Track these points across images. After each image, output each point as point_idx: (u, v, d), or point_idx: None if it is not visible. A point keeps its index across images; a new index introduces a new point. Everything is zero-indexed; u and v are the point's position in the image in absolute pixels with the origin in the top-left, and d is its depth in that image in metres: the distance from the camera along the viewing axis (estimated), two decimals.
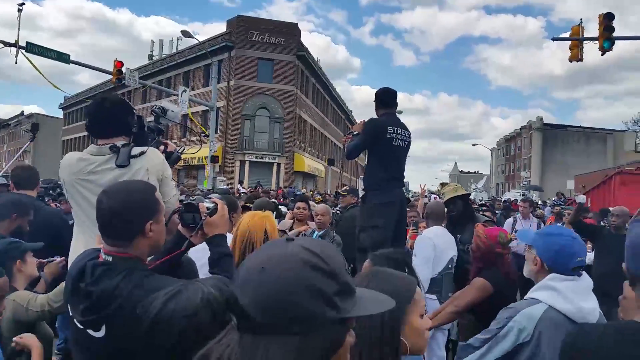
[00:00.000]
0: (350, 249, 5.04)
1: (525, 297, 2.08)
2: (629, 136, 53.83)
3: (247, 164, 32.97)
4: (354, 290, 0.87)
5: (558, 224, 8.06)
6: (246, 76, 32.95)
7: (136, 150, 2.33)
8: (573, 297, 1.93)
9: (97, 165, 2.30)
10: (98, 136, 2.43)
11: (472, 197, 7.77)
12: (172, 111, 2.82)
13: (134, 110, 2.52)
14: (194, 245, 1.87)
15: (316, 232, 5.20)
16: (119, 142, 2.36)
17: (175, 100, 20.63)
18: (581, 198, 5.97)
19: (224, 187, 15.04)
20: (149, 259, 1.74)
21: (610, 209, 6.24)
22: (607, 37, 12.68)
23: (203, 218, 1.81)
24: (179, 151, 2.78)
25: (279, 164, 33.79)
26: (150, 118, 2.81)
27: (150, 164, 2.32)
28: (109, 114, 2.42)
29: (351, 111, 60.11)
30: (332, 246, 0.93)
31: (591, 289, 2.06)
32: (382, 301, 0.92)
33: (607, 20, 12.68)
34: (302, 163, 35.50)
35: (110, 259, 1.58)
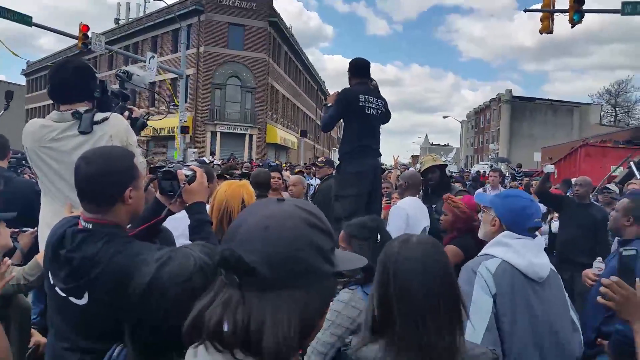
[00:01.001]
0: (328, 219, 5.11)
1: (480, 253, 2.16)
2: (594, 109, 55.13)
3: (218, 135, 32.49)
4: (335, 243, 0.95)
5: None
6: (216, 42, 32.16)
7: (99, 116, 2.30)
8: (525, 252, 2.02)
9: (60, 132, 2.27)
10: (60, 102, 2.38)
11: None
12: (138, 75, 2.76)
13: (97, 75, 2.47)
14: (172, 213, 1.86)
15: None
16: (82, 107, 2.32)
17: (143, 67, 20.04)
18: (549, 168, 6.13)
19: (201, 158, 14.79)
20: (127, 227, 1.74)
21: (573, 179, 6.44)
22: (577, 10, 12.84)
23: (182, 185, 1.80)
24: (145, 117, 2.73)
25: (251, 135, 33.40)
26: (117, 84, 2.75)
27: (113, 130, 2.29)
28: (70, 78, 2.36)
29: (324, 81, 59.64)
30: (315, 205, 0.97)
31: (543, 247, 2.17)
32: (357, 258, 1.00)
33: None
34: (275, 135, 35.19)
35: (90, 225, 1.57)
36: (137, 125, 2.63)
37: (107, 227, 1.59)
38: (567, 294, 2.18)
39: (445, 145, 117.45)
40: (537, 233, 2.20)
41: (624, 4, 13.34)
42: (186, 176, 1.82)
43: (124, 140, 2.31)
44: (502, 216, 2.15)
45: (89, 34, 17.22)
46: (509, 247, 2.03)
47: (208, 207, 2.55)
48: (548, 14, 13.46)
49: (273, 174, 5.94)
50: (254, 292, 0.81)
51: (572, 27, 13.15)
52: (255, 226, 0.84)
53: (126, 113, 2.57)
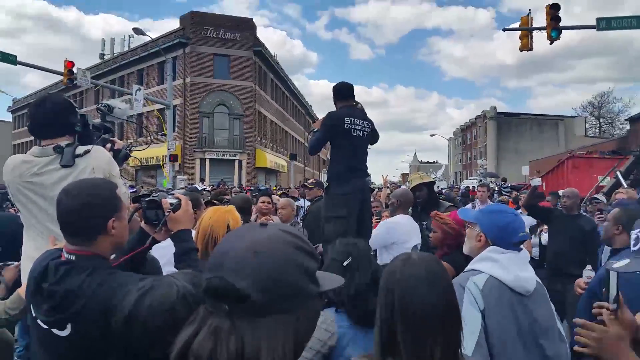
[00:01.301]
0: (319, 241, 5.10)
1: (466, 269, 2.15)
2: (579, 121, 55.99)
3: (207, 161, 32.52)
4: (319, 263, 0.96)
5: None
6: (202, 73, 32.44)
7: (81, 149, 2.30)
8: (511, 266, 2.02)
9: (42, 167, 2.27)
10: (41, 137, 2.39)
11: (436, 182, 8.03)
12: (119, 108, 2.78)
13: (77, 109, 2.48)
14: (157, 242, 1.85)
15: None
16: (63, 142, 2.33)
17: (129, 100, 20.11)
18: (536, 181, 6.19)
19: (193, 186, 14.72)
20: (111, 257, 1.72)
21: (560, 191, 6.49)
22: (554, 27, 13.15)
23: (166, 214, 1.79)
24: (128, 149, 2.74)
25: (240, 161, 33.48)
26: (99, 118, 2.76)
27: (95, 162, 2.30)
28: (50, 114, 2.37)
29: (311, 105, 60.14)
30: (297, 229, 0.99)
31: (528, 260, 2.16)
32: (336, 277, 1.01)
33: (553, 10, 13.14)
34: (264, 159, 35.30)
35: (73, 257, 1.56)
36: (120, 156, 2.64)
37: (91, 258, 1.57)
38: (553, 305, 2.18)
39: (434, 162, 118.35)
40: (522, 247, 2.20)
41: (598, 20, 13.70)
42: (170, 204, 1.81)
43: (106, 172, 2.32)
44: (488, 232, 2.15)
45: (74, 69, 17.30)
46: (496, 262, 2.03)
47: (194, 233, 2.54)
48: (527, 32, 13.76)
49: (263, 199, 5.92)
50: (245, 319, 0.80)
51: (550, 44, 13.45)
52: (244, 252, 0.83)
53: (108, 145, 2.57)
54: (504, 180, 22.01)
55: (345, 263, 2.13)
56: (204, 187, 18.84)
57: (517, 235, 2.11)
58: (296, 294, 0.85)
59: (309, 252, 0.90)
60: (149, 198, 1.84)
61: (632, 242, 1.43)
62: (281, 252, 0.85)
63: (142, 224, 1.85)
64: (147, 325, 1.18)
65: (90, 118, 2.57)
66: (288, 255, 0.86)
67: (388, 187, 8.53)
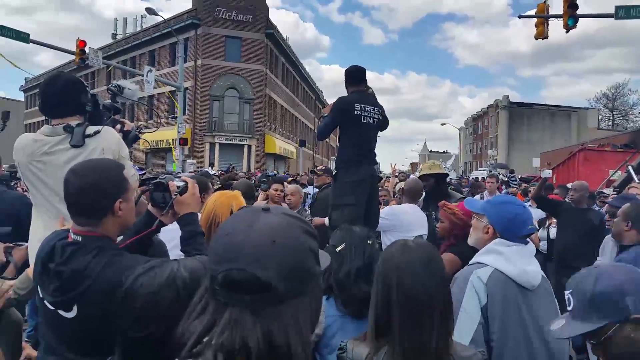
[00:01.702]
0: (326, 229, 5.10)
1: (471, 262, 2.14)
2: (592, 114, 55.31)
3: (217, 146, 32.56)
4: None
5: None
6: (214, 55, 32.34)
7: (91, 129, 2.30)
8: (517, 260, 2.00)
9: (52, 146, 2.27)
10: (52, 116, 2.39)
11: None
12: (129, 89, 2.78)
13: (88, 89, 2.47)
14: (164, 224, 1.85)
15: None
16: (73, 121, 2.33)
17: (139, 81, 20.13)
18: (547, 173, 6.12)
19: (205, 170, 14.71)
20: (118, 239, 1.73)
21: (569, 184, 6.42)
22: (571, 15, 12.91)
23: (173, 197, 1.79)
24: (137, 130, 2.74)
25: (249, 146, 33.49)
26: (109, 98, 2.76)
27: (105, 143, 2.30)
28: (61, 93, 2.36)
29: (321, 91, 59.87)
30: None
31: (534, 254, 2.14)
32: (325, 255, 1.02)
33: None
34: (273, 145, 35.28)
35: (79, 238, 1.56)
36: (129, 138, 2.64)
37: (97, 239, 1.58)
38: (557, 301, 2.15)
39: (444, 152, 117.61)
40: (528, 240, 2.17)
41: (617, 8, 13.43)
42: (177, 187, 1.81)
43: (115, 153, 2.32)
44: (496, 223, 2.13)
45: (86, 49, 17.32)
46: (502, 255, 2.01)
47: (200, 216, 2.54)
48: (542, 19, 13.54)
49: (275, 186, 5.90)
50: (267, 308, 0.81)
51: (567, 32, 13.22)
52: (261, 242, 0.83)
53: (118, 126, 2.58)
54: (512, 171, 21.85)
55: (338, 249, 2.12)
56: (214, 172, 18.94)
57: (525, 228, 2.08)
58: (310, 277, 0.88)
59: (314, 233, 0.93)
60: (156, 180, 1.83)
61: (566, 303, 1.43)
62: (296, 238, 0.87)
63: (149, 206, 1.85)
64: (134, 303, 1.21)
65: (101, 98, 2.57)
66: (301, 240, 0.88)
67: (396, 176, 8.50)
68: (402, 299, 1.39)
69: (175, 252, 2.18)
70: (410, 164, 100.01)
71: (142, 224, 1.82)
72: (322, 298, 1.01)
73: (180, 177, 1.93)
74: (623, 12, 13.40)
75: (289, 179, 9.24)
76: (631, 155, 12.57)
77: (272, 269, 0.81)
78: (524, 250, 2.07)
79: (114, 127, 2.53)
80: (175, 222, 1.87)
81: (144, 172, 7.15)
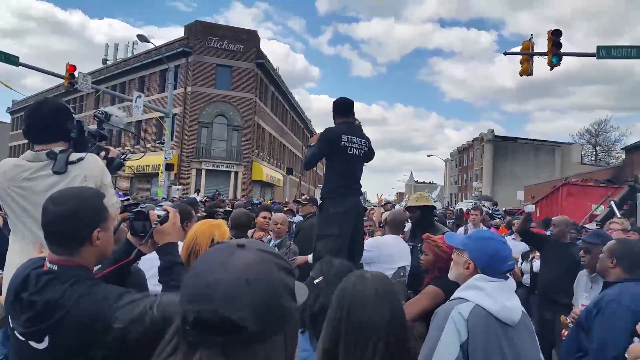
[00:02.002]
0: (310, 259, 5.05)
1: (452, 297, 2.13)
2: (575, 149, 56.39)
3: (203, 172, 32.47)
4: None
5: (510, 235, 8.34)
6: (204, 83, 32.57)
7: (74, 156, 2.29)
8: (498, 296, 2.00)
9: (33, 172, 2.25)
10: (35, 142, 2.37)
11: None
12: (116, 116, 2.77)
13: (74, 115, 2.47)
14: (143, 254, 1.83)
15: (272, 241, 5.18)
16: (57, 148, 2.31)
17: (128, 107, 20.16)
18: (529, 207, 6.18)
19: (191, 197, 14.46)
20: (96, 268, 1.70)
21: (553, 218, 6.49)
22: (555, 53, 13.28)
23: (153, 226, 1.77)
24: (122, 158, 2.72)
25: (236, 173, 33.45)
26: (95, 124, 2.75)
27: (88, 170, 2.28)
28: (47, 119, 2.35)
29: (310, 120, 60.37)
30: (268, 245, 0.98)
31: (514, 290, 2.14)
32: (302, 289, 0.99)
33: (555, 36, 13.29)
34: (261, 172, 35.29)
35: (55, 267, 1.54)
36: (113, 165, 2.63)
37: (74, 269, 1.55)
38: (537, 337, 2.15)
39: (430, 183, 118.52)
40: (509, 275, 2.17)
41: (599, 48, 13.86)
42: (158, 216, 1.79)
43: (98, 181, 2.30)
44: (477, 259, 2.14)
45: (76, 73, 17.37)
46: (482, 291, 2.01)
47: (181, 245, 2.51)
48: (527, 56, 13.89)
49: (264, 214, 5.88)
50: (240, 349, 0.79)
51: (551, 70, 13.57)
52: (236, 281, 0.81)
53: (102, 153, 2.57)
54: (495, 204, 22.05)
55: (315, 281, 2.10)
56: (200, 198, 18.81)
57: (505, 264, 2.09)
58: (285, 315, 0.85)
59: (290, 269, 0.91)
60: (136, 209, 1.81)
61: None
62: (271, 276, 0.84)
63: (129, 235, 1.83)
64: (106, 337, 1.18)
65: (86, 125, 2.56)
66: (277, 278, 0.85)
67: (383, 206, 8.52)
68: (349, 329, 1.41)
69: (153, 280, 2.15)
70: (397, 193, 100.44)
71: (121, 252, 1.79)
72: (298, 334, 0.97)
73: (161, 205, 1.91)
74: (604, 52, 13.83)
75: (285, 209, 9.13)
76: (613, 190, 12.81)
77: (245, 309, 0.78)
78: (505, 286, 2.07)
79: (98, 154, 2.52)
80: (153, 252, 1.84)
81: (127, 197, 7.07)
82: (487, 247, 2.13)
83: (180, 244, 2.67)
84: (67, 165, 2.24)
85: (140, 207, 1.82)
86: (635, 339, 3.50)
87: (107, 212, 1.64)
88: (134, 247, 1.79)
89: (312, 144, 4.46)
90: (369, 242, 4.39)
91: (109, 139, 35.91)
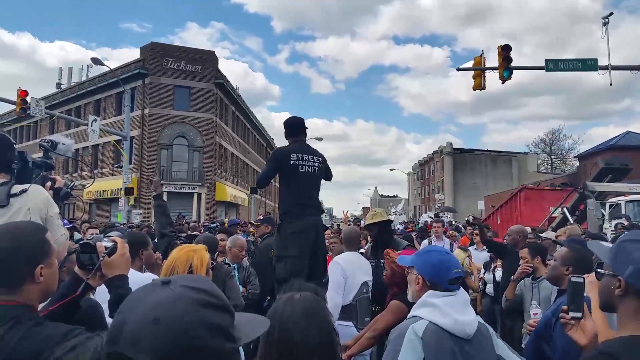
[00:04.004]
0: (266, 280, 4.98)
1: (408, 316, 2.15)
2: (531, 158, 58.32)
3: (165, 195, 31.72)
4: (234, 314, 0.89)
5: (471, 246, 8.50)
6: (162, 104, 32.11)
7: (17, 188, 2.22)
8: (450, 311, 2.02)
9: None
10: None
11: (393, 219, 8.00)
12: (63, 144, 2.69)
13: (14, 145, 2.39)
14: (91, 288, 1.75)
15: (231, 264, 5.07)
16: None
17: (68, 135, 19.64)
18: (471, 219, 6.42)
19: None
20: (42, 305, 1.62)
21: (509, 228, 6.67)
22: (506, 67, 13.80)
23: (101, 258, 1.70)
24: (69, 187, 2.63)
25: (199, 194, 32.92)
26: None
27: (32, 202, 2.21)
28: None
29: (272, 138, 60.29)
30: (207, 278, 0.94)
31: (468, 302, 2.17)
32: (259, 323, 0.95)
33: (505, 51, 13.82)
34: (224, 192, 34.87)
35: None
36: (61, 195, 2.54)
37: (15, 308, 1.47)
38: (499, 345, 2.16)
39: (394, 196, 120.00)
40: (460, 287, 2.19)
41: (547, 61, 14.50)
42: (106, 248, 1.73)
43: (43, 213, 2.22)
44: (423, 272, 2.17)
45: (28, 99, 16.84)
46: (434, 307, 2.03)
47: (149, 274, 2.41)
48: (480, 72, 14.36)
49: (220, 236, 5.70)
50: None
51: (502, 83, 14.08)
52: (142, 321, 0.76)
53: (48, 183, 2.48)
54: (450, 223, 22.74)
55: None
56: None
57: (450, 272, 2.12)
58: (206, 355, 0.78)
59: (220, 305, 0.84)
60: (83, 241, 1.74)
61: None
62: (185, 314, 0.77)
63: (76, 268, 1.75)
64: None
65: (30, 155, 2.47)
66: (194, 316, 0.78)
67: (349, 222, 8.50)
68: (281, 347, 1.43)
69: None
70: (362, 208, 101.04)
71: (68, 287, 1.71)
72: None
73: (109, 236, 1.84)
74: (552, 65, 14.48)
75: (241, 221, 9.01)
76: (569, 193, 13.25)
77: (150, 352, 0.74)
78: (457, 300, 2.09)
79: (44, 184, 2.43)
80: None
81: (71, 224, 6.81)
82: (430, 259, 2.18)
83: (136, 274, 2.59)
84: (8, 198, 2.16)
85: (87, 239, 1.76)
86: (534, 302, 3.58)
87: (50, 247, 1.57)
88: (81, 281, 1.71)
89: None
90: (340, 257, 4.33)
91: (66, 165, 34.85)
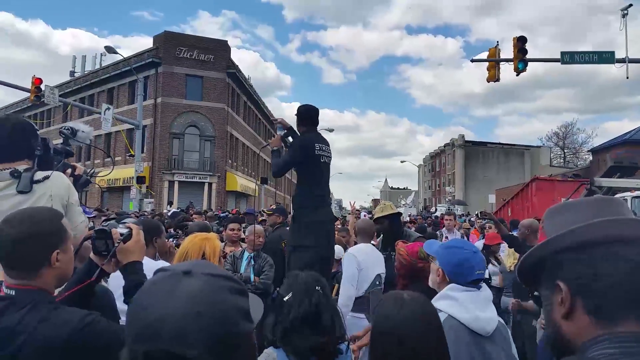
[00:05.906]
0: (277, 270, 4.98)
1: None
2: (544, 152, 57.71)
3: (176, 184, 32.01)
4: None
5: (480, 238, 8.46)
6: (174, 93, 32.19)
7: (39, 174, 2.23)
8: (471, 306, 2.00)
9: None
10: None
11: (402, 212, 7.94)
12: (83, 132, 2.71)
13: (38, 132, 2.40)
14: (107, 274, 1.77)
15: (247, 253, 5.09)
16: (21, 166, 2.25)
17: (88, 123, 19.78)
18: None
19: (173, 211, 13.76)
20: (58, 290, 1.64)
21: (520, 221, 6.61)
22: (521, 59, 13.63)
23: (116, 244, 1.72)
24: (89, 175, 2.66)
25: (210, 184, 33.07)
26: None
27: (54, 189, 2.22)
28: (9, 137, 2.29)
29: None
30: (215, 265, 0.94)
31: (491, 300, 2.14)
32: (256, 305, 0.97)
33: (520, 43, 13.65)
34: (235, 182, 34.98)
35: (12, 292, 1.48)
36: (80, 182, 2.57)
37: (33, 293, 1.49)
38: (513, 345, 2.15)
39: (404, 189, 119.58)
40: (483, 284, 2.17)
41: (562, 53, 14.30)
42: (121, 234, 1.74)
43: (64, 199, 2.24)
44: (445, 267, 2.15)
45: (42, 86, 16.97)
46: (455, 301, 2.01)
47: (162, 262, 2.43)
48: (494, 63, 14.21)
49: (232, 226, 5.73)
50: None
51: (517, 75, 13.91)
52: (185, 316, 0.75)
53: (69, 170, 2.50)
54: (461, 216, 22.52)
55: (285, 298, 2.06)
56: (173, 210, 18.40)
57: (473, 273, 2.09)
58: (241, 339, 0.81)
59: (243, 290, 0.86)
60: (98, 227, 1.76)
61: None
62: (223, 302, 0.79)
63: (92, 254, 1.77)
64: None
65: (52, 142, 2.49)
66: (229, 304, 0.80)
67: (356, 214, 8.48)
68: (404, 355, 1.41)
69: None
70: (372, 200, 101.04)
71: (84, 273, 1.73)
72: (256, 354, 0.95)
73: (125, 223, 1.85)
74: (568, 58, 14.28)
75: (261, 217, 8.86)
76: (579, 185, 13.10)
77: (199, 345, 0.74)
78: (479, 296, 2.07)
79: (64, 171, 2.45)
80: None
81: (92, 214, 6.87)
82: (453, 257, 2.14)
83: (149, 261, 2.61)
84: (32, 184, 2.18)
85: (102, 226, 1.77)
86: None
87: (66, 233, 1.58)
88: (96, 266, 1.73)
89: (274, 148, 4.38)
90: (354, 249, 4.32)
91: (79, 153, 35.20)
